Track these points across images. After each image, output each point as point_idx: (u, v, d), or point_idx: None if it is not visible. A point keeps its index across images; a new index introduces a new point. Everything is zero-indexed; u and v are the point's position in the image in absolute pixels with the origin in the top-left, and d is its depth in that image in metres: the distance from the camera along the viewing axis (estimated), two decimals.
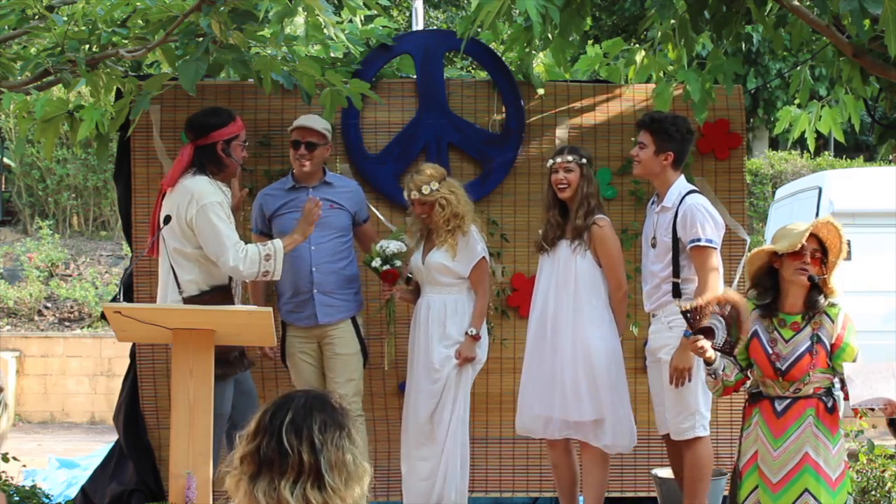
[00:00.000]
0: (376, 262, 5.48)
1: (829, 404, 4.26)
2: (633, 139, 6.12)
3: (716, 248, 5.06)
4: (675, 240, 5.11)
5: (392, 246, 5.48)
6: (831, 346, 4.21)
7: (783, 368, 4.24)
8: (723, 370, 4.33)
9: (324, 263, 5.51)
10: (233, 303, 5.23)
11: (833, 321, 4.22)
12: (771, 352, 4.29)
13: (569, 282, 5.28)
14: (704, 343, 4.25)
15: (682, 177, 5.26)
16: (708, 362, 4.30)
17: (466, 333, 5.47)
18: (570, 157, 5.32)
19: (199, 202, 5.08)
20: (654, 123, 5.19)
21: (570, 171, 5.30)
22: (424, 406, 5.46)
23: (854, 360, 4.19)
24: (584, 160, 5.31)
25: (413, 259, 5.55)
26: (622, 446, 5.32)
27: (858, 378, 4.10)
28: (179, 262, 5.16)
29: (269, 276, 5.17)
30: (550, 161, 5.39)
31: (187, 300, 5.11)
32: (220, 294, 5.18)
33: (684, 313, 4.30)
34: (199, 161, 5.21)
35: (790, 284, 4.29)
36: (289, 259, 5.46)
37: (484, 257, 5.50)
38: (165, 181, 5.29)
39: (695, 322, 4.27)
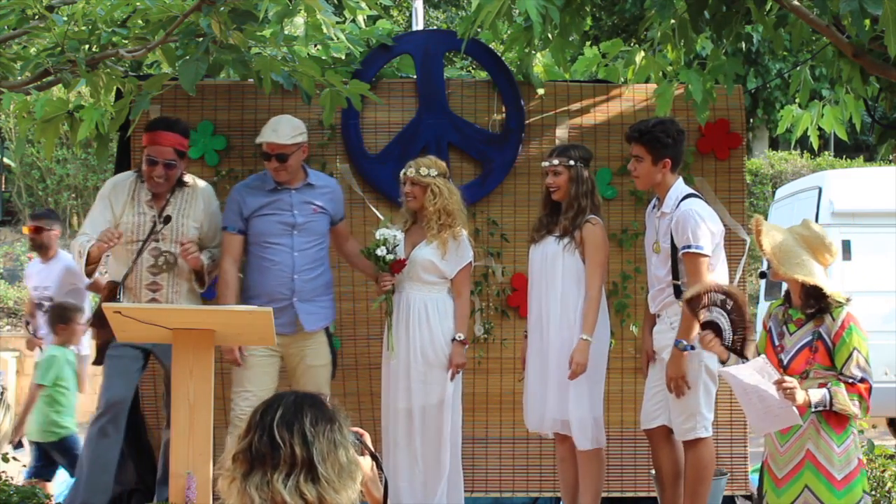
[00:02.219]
0: (381, 251, 5.34)
1: None
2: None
3: (707, 255, 5.04)
4: (674, 244, 5.13)
5: (398, 235, 5.42)
6: (832, 343, 4.24)
7: (785, 361, 4.30)
8: None
9: (305, 270, 5.39)
10: (115, 299, 5.23)
11: (835, 320, 4.25)
12: (777, 344, 4.37)
13: (556, 279, 5.29)
14: (713, 338, 4.40)
15: (680, 179, 5.26)
16: (722, 359, 4.40)
17: (454, 340, 5.42)
18: (556, 161, 5.34)
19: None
20: (645, 135, 5.17)
21: (558, 175, 5.33)
22: (405, 411, 5.40)
23: (851, 360, 4.19)
24: (571, 161, 5.31)
25: (398, 251, 5.45)
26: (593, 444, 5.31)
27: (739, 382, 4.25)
28: None
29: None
30: (543, 163, 5.44)
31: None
32: (108, 287, 5.41)
33: (687, 302, 4.51)
34: None
35: (791, 283, 4.36)
36: (267, 263, 5.35)
37: (471, 262, 5.46)
38: None
39: (697, 311, 4.45)
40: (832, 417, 4.23)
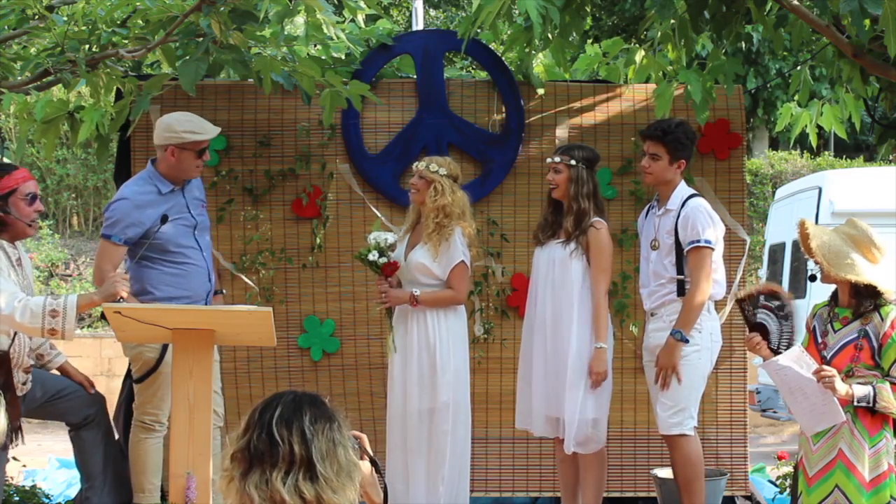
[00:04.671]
0: (373, 255, 5.31)
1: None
2: (632, 138, 6.12)
3: (713, 249, 5.10)
4: (678, 241, 5.15)
5: (390, 238, 5.39)
6: (879, 343, 4.22)
7: (828, 357, 4.30)
8: None
9: (211, 269, 5.30)
10: (10, 374, 4.79)
11: (883, 319, 4.23)
12: (820, 341, 4.37)
13: (566, 283, 5.28)
14: (760, 340, 4.40)
15: (684, 181, 5.32)
16: (766, 360, 4.39)
17: (412, 293, 5.31)
18: (557, 158, 5.37)
19: None
20: (668, 135, 5.20)
21: (558, 172, 5.34)
22: (410, 413, 5.37)
23: None
24: (573, 161, 5.31)
25: (396, 252, 5.43)
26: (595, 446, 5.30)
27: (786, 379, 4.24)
28: None
29: (56, 334, 4.60)
30: (547, 160, 5.46)
31: None
32: None
33: (739, 301, 4.50)
34: None
35: (842, 283, 4.36)
36: (185, 267, 5.16)
37: (463, 261, 5.36)
38: None
39: (750, 313, 4.46)
40: (867, 418, 4.22)
